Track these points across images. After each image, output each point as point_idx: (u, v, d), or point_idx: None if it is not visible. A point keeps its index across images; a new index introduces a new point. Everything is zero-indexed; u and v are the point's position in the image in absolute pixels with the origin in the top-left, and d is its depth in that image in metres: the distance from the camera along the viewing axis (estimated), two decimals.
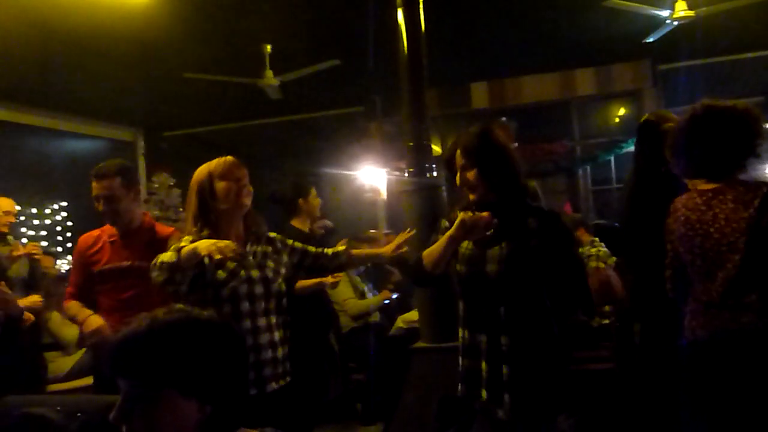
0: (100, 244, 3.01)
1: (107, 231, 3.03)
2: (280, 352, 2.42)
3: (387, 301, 5.38)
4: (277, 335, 2.41)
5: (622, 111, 8.41)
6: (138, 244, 2.95)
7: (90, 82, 6.61)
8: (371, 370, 5.02)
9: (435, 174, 3.58)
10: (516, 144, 8.06)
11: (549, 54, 7.15)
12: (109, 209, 2.90)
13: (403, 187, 3.57)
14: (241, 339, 1.40)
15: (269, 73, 5.92)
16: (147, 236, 3.00)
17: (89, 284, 3.00)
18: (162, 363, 1.24)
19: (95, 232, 3.07)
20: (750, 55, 7.08)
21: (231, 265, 2.30)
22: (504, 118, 8.03)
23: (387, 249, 2.76)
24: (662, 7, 5.16)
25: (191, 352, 1.27)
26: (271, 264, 2.46)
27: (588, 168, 7.99)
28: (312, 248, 2.67)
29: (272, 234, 2.58)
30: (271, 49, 5.82)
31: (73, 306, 2.96)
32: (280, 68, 5.99)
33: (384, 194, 7.90)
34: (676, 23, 5.20)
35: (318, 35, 5.89)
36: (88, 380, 4.90)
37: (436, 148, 8.61)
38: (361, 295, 5.24)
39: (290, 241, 2.63)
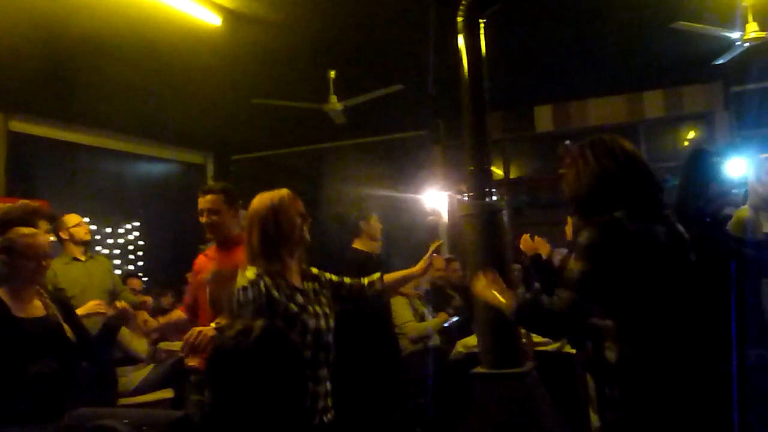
0: (204, 263, 3.40)
1: (209, 254, 3.43)
2: (329, 386, 2.46)
3: (446, 325, 5.36)
4: (327, 372, 2.46)
5: (691, 134, 8.16)
6: (236, 255, 3.15)
7: (164, 107, 6.91)
8: (430, 394, 5.00)
9: (495, 198, 3.56)
10: None
11: (616, 76, 7.04)
12: (211, 221, 3.27)
13: (463, 211, 3.57)
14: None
15: (333, 98, 6.05)
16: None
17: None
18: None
19: (203, 258, 3.47)
20: None
21: (301, 300, 2.36)
22: (568, 142, 7.92)
23: (419, 267, 2.79)
24: (733, 28, 5.02)
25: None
26: (323, 299, 2.50)
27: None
28: (347, 279, 2.70)
29: (314, 270, 2.62)
30: (336, 74, 5.95)
31: (177, 313, 3.23)
32: (344, 93, 6.10)
33: (446, 218, 7.90)
34: (747, 44, 5.04)
35: (381, 60, 5.99)
36: (156, 395, 5.08)
37: (498, 172, 8.60)
38: (421, 318, 5.24)
39: (327, 275, 2.66)
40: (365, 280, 2.73)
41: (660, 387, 1.91)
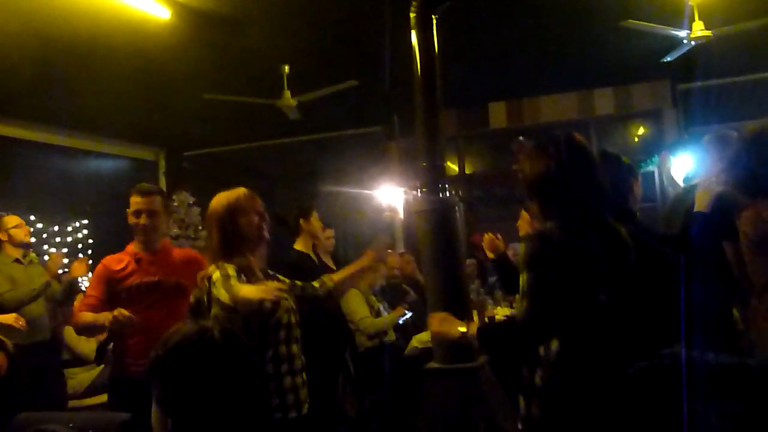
0: (125, 263, 3.15)
1: (130, 251, 3.20)
2: (305, 377, 2.50)
3: (401, 321, 5.37)
4: (302, 363, 2.49)
5: (641, 131, 8.36)
6: (164, 262, 3.14)
7: (112, 102, 6.73)
8: (386, 389, 5.01)
9: (448, 194, 3.58)
10: None
11: (567, 74, 7.15)
12: (150, 223, 3.11)
13: (416, 207, 3.58)
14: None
15: (287, 93, 5.99)
16: (170, 255, 3.20)
17: (111, 302, 3.07)
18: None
19: (118, 254, 3.22)
20: None
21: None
22: (522, 138, 8.02)
23: (365, 260, 2.80)
24: (680, 27, 5.14)
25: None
26: (288, 297, 2.50)
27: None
28: (298, 282, 2.71)
29: (269, 271, 2.61)
30: (289, 69, 5.89)
31: (88, 315, 3.03)
32: (298, 89, 6.05)
33: (401, 213, 7.92)
34: (693, 43, 5.17)
35: (335, 56, 5.95)
36: (105, 397, 4.96)
37: (454, 167, 8.66)
38: (377, 314, 5.24)
39: (280, 277, 2.66)
40: (315, 283, 2.73)
41: (585, 387, 1.96)
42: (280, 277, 2.63)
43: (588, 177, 2.04)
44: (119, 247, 3.29)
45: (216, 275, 2.28)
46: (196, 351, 1.28)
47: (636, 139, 8.46)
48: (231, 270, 2.25)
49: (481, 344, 2.11)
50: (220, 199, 2.45)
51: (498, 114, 8.16)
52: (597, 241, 2.01)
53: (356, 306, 5.09)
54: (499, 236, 3.41)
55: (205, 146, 9.12)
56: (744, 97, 7.68)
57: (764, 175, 2.21)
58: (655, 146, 7.81)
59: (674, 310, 2.60)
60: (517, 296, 2.00)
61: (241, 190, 2.47)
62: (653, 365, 2.04)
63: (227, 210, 2.41)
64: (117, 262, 3.16)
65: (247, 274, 2.34)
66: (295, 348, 2.43)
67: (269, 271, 2.58)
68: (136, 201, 3.13)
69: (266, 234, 2.47)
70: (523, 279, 1.95)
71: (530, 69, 6.90)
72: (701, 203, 2.82)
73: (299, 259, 4.34)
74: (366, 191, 8.12)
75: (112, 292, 3.09)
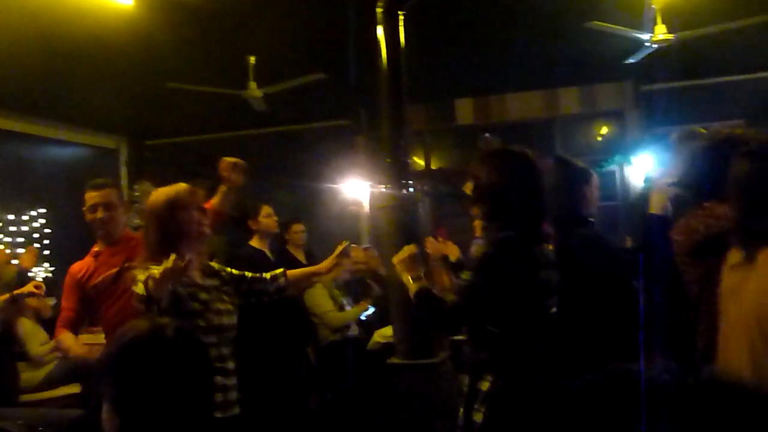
0: (87, 263, 3.16)
1: (92, 251, 3.20)
2: (236, 380, 2.44)
3: (364, 317, 5.38)
4: (233, 366, 2.43)
5: (604, 130, 8.48)
6: (125, 251, 3.08)
7: (72, 88, 6.58)
8: (349, 383, 5.02)
9: (412, 190, 3.59)
10: None
11: (533, 72, 7.20)
12: (108, 216, 3.07)
13: (380, 203, 3.58)
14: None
15: (253, 84, 5.92)
16: (130, 243, 3.13)
17: (86, 306, 3.10)
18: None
19: (82, 260, 3.22)
20: (730, 78, 7.18)
21: (205, 296, 2.32)
22: (488, 135, 8.09)
23: (325, 265, 2.79)
24: (643, 29, 5.22)
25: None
26: (226, 297, 2.46)
27: None
28: (248, 273, 2.66)
29: (215, 265, 2.57)
30: (255, 60, 5.82)
31: (68, 338, 3.01)
32: (265, 80, 5.99)
33: (367, 208, 7.91)
34: (656, 46, 5.26)
35: (303, 48, 5.90)
36: (62, 391, 4.86)
37: (420, 162, 8.68)
38: (340, 308, 5.24)
39: (228, 269, 2.62)
40: (267, 275, 2.69)
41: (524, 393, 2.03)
42: (228, 270, 2.59)
43: (535, 193, 2.14)
44: (77, 237, 3.26)
45: (141, 277, 2.21)
46: (149, 349, 1.25)
47: (599, 138, 8.58)
48: (155, 271, 2.18)
49: (414, 307, 2.18)
50: (159, 195, 2.40)
51: (465, 110, 8.19)
52: (539, 253, 2.12)
53: (320, 300, 5.08)
54: (444, 242, 3.43)
55: (169, 135, 8.97)
56: (704, 100, 7.84)
57: (710, 179, 2.24)
58: (617, 145, 7.95)
59: (626, 319, 2.64)
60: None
61: (181, 185, 2.42)
62: (599, 379, 2.10)
63: (167, 205, 2.35)
64: (80, 266, 3.17)
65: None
66: (226, 350, 2.36)
67: (214, 265, 2.54)
68: (90, 196, 3.11)
69: (206, 230, 2.42)
70: (466, 276, 2.02)
71: (497, 66, 6.94)
72: (655, 205, 2.87)
73: (252, 256, 4.32)
74: (333, 185, 8.09)
75: (84, 296, 3.09)
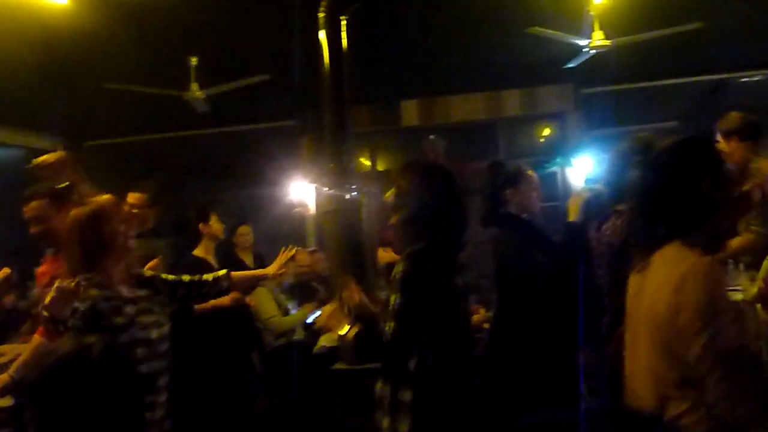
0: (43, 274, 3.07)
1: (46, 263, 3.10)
2: (167, 396, 2.39)
3: (311, 320, 5.35)
4: (165, 380, 2.38)
5: (546, 132, 8.65)
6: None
7: (6, 88, 6.34)
8: (294, 388, 4.99)
9: (356, 194, 3.59)
10: (444, 162, 8.20)
11: (477, 75, 7.30)
12: (42, 230, 2.94)
13: (323, 207, 3.57)
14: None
15: (194, 86, 5.82)
16: None
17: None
18: None
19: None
20: (664, 82, 7.42)
21: (130, 310, 2.26)
22: (432, 136, 8.15)
23: (271, 269, 2.78)
24: (581, 35, 5.36)
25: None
26: (156, 307, 2.40)
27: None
28: (186, 276, 2.61)
29: (148, 273, 2.51)
30: (197, 61, 5.73)
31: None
32: (207, 81, 5.90)
33: (313, 210, 7.87)
34: (593, 51, 5.41)
35: (246, 50, 5.84)
36: None
37: (366, 163, 8.69)
38: (285, 312, 5.19)
39: (163, 276, 2.57)
40: (209, 277, 2.65)
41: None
42: (164, 276, 2.53)
43: (452, 204, 2.20)
44: (11, 242, 3.13)
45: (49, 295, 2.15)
46: (74, 371, 1.21)
47: (541, 140, 8.75)
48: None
49: (356, 352, 2.22)
50: (83, 208, 2.33)
51: (410, 112, 8.23)
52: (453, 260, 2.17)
53: (264, 304, 5.03)
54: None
55: (109, 136, 8.72)
56: (640, 103, 8.10)
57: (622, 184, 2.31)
58: (559, 147, 8.12)
59: (557, 317, 2.72)
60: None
61: (105, 198, 2.37)
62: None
63: (90, 219, 2.28)
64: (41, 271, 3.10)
65: (102, 290, 2.22)
66: (156, 365, 2.30)
67: (148, 273, 2.48)
68: (25, 210, 2.99)
69: (132, 244, 2.36)
70: (393, 299, 2.04)
71: (442, 69, 7.00)
72: (571, 211, 2.94)
73: (195, 266, 4.24)
74: (278, 186, 8.02)
75: None
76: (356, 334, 2.28)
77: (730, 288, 5.58)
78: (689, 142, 1.62)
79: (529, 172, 3.15)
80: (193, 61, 5.72)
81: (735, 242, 3.55)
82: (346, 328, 2.22)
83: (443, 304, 2.08)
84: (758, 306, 3.62)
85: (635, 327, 1.64)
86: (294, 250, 2.81)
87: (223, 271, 2.71)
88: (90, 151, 8.77)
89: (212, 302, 3.13)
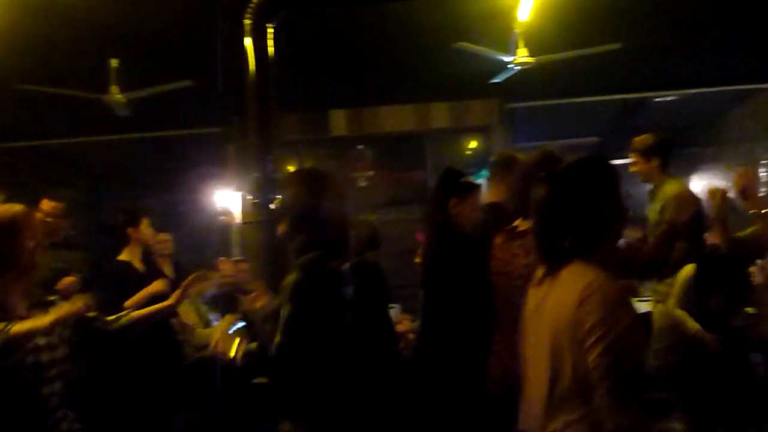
0: None
1: None
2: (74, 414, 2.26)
3: (233, 331, 5.24)
4: (61, 400, 2.25)
5: (473, 144, 8.82)
6: None
7: None
8: (217, 401, 4.87)
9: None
10: (372, 172, 8.23)
11: (406, 87, 7.38)
12: None
13: (247, 218, 3.52)
14: None
15: (115, 89, 5.62)
16: None
17: None
18: None
19: None
20: (584, 99, 7.70)
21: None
22: (361, 147, 8.18)
23: (171, 301, 2.73)
24: (507, 52, 5.49)
25: None
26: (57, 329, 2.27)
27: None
28: (92, 314, 2.47)
29: (51, 297, 2.40)
30: (118, 64, 5.54)
31: None
32: (129, 84, 5.71)
33: (238, 219, 7.74)
34: (518, 67, 5.55)
35: (169, 54, 5.70)
36: None
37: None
38: (206, 324, 5.07)
39: (62, 304, 2.47)
40: (111, 317, 2.53)
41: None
42: (63, 304, 2.40)
43: (336, 212, 2.17)
44: None
45: None
46: None
47: (468, 152, 8.91)
48: None
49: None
50: None
51: (338, 121, 8.23)
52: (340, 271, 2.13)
53: (184, 316, 4.89)
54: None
55: (24, 138, 8.32)
56: (563, 119, 8.38)
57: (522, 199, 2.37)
58: (485, 159, 8.28)
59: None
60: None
61: (16, 208, 2.16)
62: None
63: None
64: None
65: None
66: (46, 390, 2.11)
67: (49, 298, 2.35)
68: None
69: (36, 263, 2.18)
70: (284, 311, 2.01)
71: (371, 80, 7.04)
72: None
73: (119, 271, 4.09)
74: (203, 194, 7.85)
75: None
76: (246, 354, 2.24)
77: (641, 299, 5.84)
78: (589, 162, 1.67)
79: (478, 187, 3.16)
80: (114, 63, 5.53)
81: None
82: (235, 348, 2.17)
83: (333, 316, 2.06)
84: (680, 316, 3.80)
85: (535, 342, 1.66)
86: (198, 275, 2.75)
87: (124, 312, 2.61)
88: (4, 153, 8.35)
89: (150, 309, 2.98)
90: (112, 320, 2.52)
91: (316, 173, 2.23)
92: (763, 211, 2.89)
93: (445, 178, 3.14)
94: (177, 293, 2.70)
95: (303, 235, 2.10)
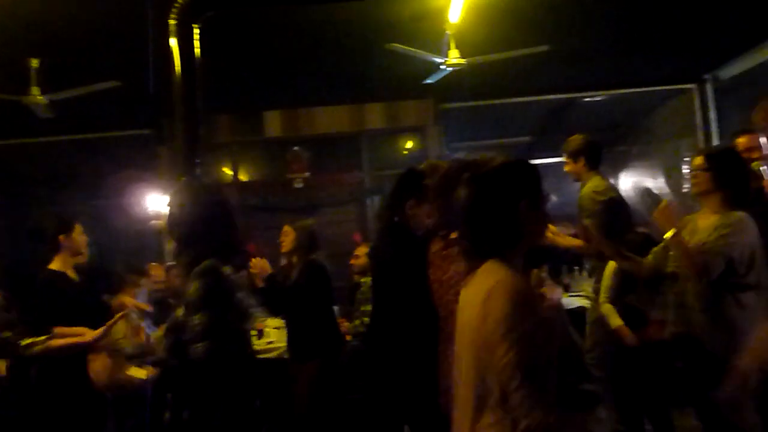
0: None
1: None
2: None
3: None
4: None
5: (409, 144, 8.87)
6: None
7: None
8: (149, 412, 4.75)
9: None
10: (308, 174, 8.18)
11: (341, 88, 7.35)
12: None
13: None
14: None
15: (35, 90, 5.39)
16: None
17: None
18: None
19: None
20: (516, 100, 7.85)
21: None
22: (296, 148, 8.11)
23: (96, 333, 2.67)
24: (439, 53, 5.54)
25: None
26: None
27: (376, 198, 8.29)
28: (7, 333, 2.47)
29: None
30: (39, 64, 5.31)
31: None
32: (51, 85, 5.48)
33: None
34: (450, 68, 5.61)
35: (95, 54, 5.50)
36: None
37: (229, 173, 8.48)
38: (136, 333, 4.91)
39: None
40: (28, 340, 2.47)
41: None
42: None
43: (223, 222, 2.27)
44: None
45: None
46: None
47: (404, 152, 8.96)
48: None
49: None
50: None
51: (273, 122, 8.13)
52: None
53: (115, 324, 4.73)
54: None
55: None
56: (495, 119, 8.52)
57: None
58: (420, 159, 8.32)
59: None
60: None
61: None
62: None
63: None
64: None
65: None
66: None
67: None
68: None
69: None
70: (198, 318, 2.05)
71: (305, 81, 6.98)
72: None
73: (51, 282, 3.91)
74: (133, 197, 7.60)
75: None
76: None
77: (573, 293, 5.97)
78: (509, 164, 1.69)
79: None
80: (34, 63, 5.29)
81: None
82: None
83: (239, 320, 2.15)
84: (606, 311, 3.89)
85: (458, 343, 1.68)
86: (119, 316, 2.73)
87: (42, 338, 2.53)
88: None
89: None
90: (27, 344, 2.46)
91: (199, 185, 2.31)
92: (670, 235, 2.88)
93: (405, 178, 3.05)
94: (100, 331, 2.64)
95: (197, 248, 2.15)
